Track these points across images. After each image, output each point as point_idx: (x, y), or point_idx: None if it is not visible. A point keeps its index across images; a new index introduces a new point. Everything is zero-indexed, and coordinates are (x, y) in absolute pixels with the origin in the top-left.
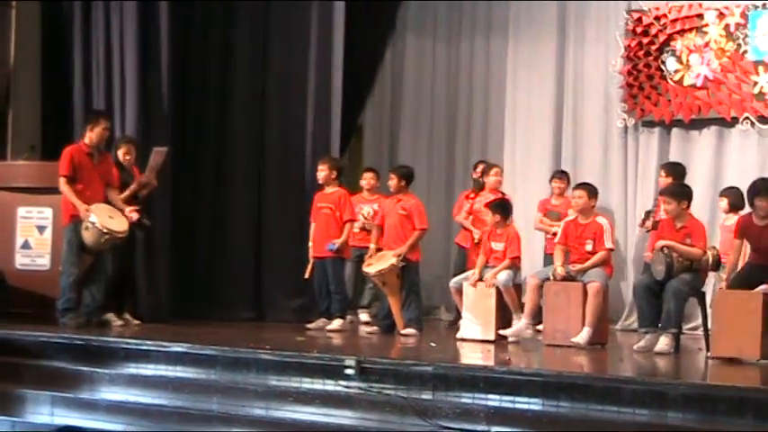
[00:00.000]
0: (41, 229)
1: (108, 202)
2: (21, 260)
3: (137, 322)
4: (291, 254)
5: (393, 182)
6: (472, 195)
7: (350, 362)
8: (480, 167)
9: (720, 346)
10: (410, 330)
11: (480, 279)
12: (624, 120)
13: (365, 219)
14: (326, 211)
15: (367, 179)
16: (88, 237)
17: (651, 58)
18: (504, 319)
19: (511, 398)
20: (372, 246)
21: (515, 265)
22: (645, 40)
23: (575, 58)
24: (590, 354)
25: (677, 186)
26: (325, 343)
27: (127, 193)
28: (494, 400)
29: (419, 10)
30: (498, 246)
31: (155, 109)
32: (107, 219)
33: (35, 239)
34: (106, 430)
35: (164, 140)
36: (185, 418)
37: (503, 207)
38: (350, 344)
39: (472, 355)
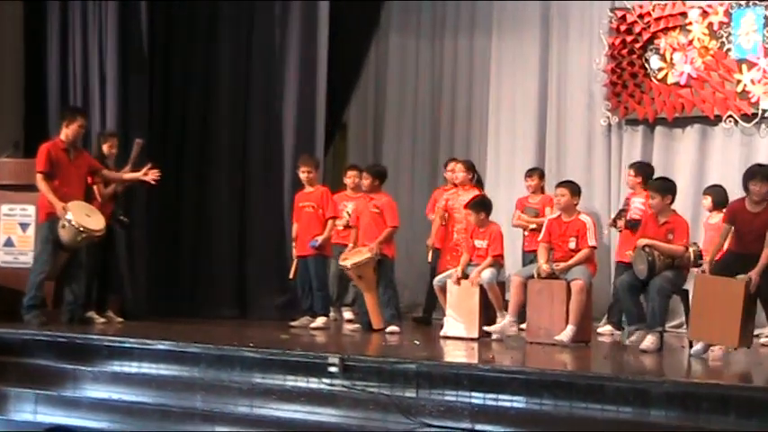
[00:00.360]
0: (24, 226)
1: (87, 198)
2: (3, 258)
3: (119, 320)
4: (274, 252)
5: (366, 181)
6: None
7: (333, 359)
8: (451, 165)
9: (697, 331)
10: (393, 328)
11: (464, 277)
12: (608, 118)
13: (349, 216)
14: (309, 209)
15: (351, 177)
16: (64, 235)
17: (635, 56)
18: (487, 316)
19: (494, 396)
20: (350, 245)
21: (499, 263)
22: (628, 39)
23: (558, 56)
24: (573, 351)
25: (663, 181)
26: (309, 341)
27: (111, 188)
28: (477, 398)
29: (403, 8)
30: (481, 243)
31: (135, 107)
32: (84, 217)
33: (18, 237)
34: (90, 428)
35: (144, 138)
36: (169, 416)
37: (483, 205)
38: (333, 341)
39: (456, 353)
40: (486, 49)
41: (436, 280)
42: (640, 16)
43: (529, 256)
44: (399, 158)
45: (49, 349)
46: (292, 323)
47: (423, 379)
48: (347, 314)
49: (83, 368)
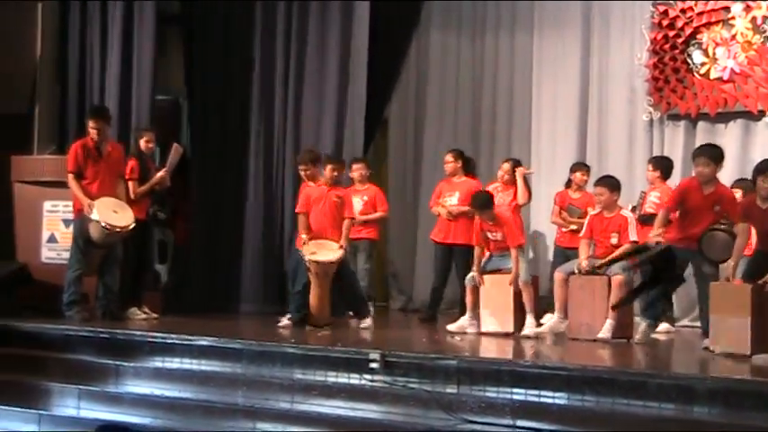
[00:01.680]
0: (67, 222)
1: (117, 194)
2: (47, 254)
3: (155, 315)
4: None
5: (331, 172)
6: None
7: (374, 355)
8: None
9: (717, 340)
10: (368, 322)
11: (484, 272)
12: (650, 113)
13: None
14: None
15: (358, 170)
16: (93, 231)
17: (677, 51)
18: (522, 311)
19: (536, 392)
20: (304, 235)
21: (522, 251)
22: (671, 33)
23: (600, 51)
24: (615, 348)
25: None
26: (350, 336)
27: (146, 187)
28: (519, 395)
29: (443, 6)
30: (495, 235)
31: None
32: (110, 214)
33: (61, 233)
34: (133, 423)
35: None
36: (211, 412)
37: (487, 202)
38: (375, 337)
39: (497, 349)
40: (527, 46)
41: (468, 278)
42: (683, 11)
43: (563, 252)
44: (440, 155)
45: (92, 345)
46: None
47: (464, 375)
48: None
49: (125, 364)
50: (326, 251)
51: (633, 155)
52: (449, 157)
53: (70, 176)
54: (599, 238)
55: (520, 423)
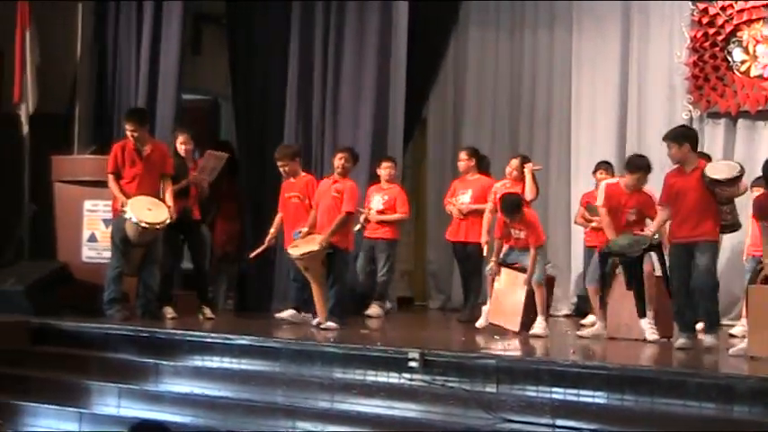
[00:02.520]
0: (107, 222)
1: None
2: (87, 253)
3: (211, 316)
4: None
5: (339, 161)
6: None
7: (413, 354)
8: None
9: (755, 345)
10: (330, 324)
11: (501, 265)
12: (689, 111)
13: (366, 210)
14: (295, 200)
15: (387, 168)
16: (129, 230)
17: (717, 48)
18: (531, 311)
19: (575, 391)
20: (305, 229)
21: (542, 249)
22: (710, 31)
23: (639, 49)
24: (655, 347)
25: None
26: (389, 335)
27: (175, 187)
28: (558, 394)
29: (482, 4)
30: (518, 234)
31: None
32: (144, 211)
33: (101, 233)
34: (172, 422)
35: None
36: (250, 411)
37: (517, 206)
38: (414, 336)
39: (536, 349)
40: (566, 44)
41: (487, 270)
42: (723, 9)
43: (590, 251)
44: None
45: (132, 344)
46: (278, 315)
47: (503, 374)
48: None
49: (165, 363)
50: (308, 245)
51: None
52: (462, 155)
53: (109, 177)
54: (615, 213)
55: (559, 422)
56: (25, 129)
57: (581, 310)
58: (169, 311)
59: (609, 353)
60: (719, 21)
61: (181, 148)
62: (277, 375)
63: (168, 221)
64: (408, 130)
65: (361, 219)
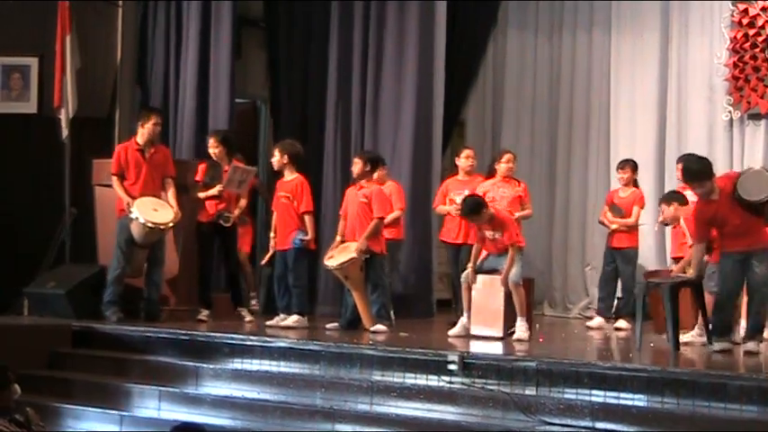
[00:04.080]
0: None
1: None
2: None
3: (251, 318)
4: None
5: (357, 167)
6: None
7: (453, 357)
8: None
9: None
10: (379, 327)
11: (477, 272)
12: (730, 112)
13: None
14: (284, 200)
15: (469, 157)
16: (135, 230)
17: (757, 49)
18: (512, 314)
19: (615, 394)
20: (338, 238)
21: (520, 251)
22: (751, 32)
23: (679, 50)
24: (695, 349)
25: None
26: (428, 338)
27: (207, 193)
28: (598, 396)
29: (520, 6)
30: (492, 234)
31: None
32: (150, 212)
33: None
34: (213, 425)
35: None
36: (289, 413)
37: (478, 207)
38: (453, 340)
39: (576, 351)
40: (604, 45)
41: (462, 277)
42: (763, 9)
43: (611, 252)
44: (517, 155)
45: (172, 347)
46: (268, 322)
47: (543, 377)
48: None
49: (204, 365)
50: (344, 254)
51: (713, 155)
52: (470, 153)
53: (113, 178)
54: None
55: (599, 425)
56: (65, 132)
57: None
58: (205, 314)
59: (649, 355)
60: (760, 21)
61: (212, 152)
62: (316, 378)
63: (172, 224)
64: (447, 132)
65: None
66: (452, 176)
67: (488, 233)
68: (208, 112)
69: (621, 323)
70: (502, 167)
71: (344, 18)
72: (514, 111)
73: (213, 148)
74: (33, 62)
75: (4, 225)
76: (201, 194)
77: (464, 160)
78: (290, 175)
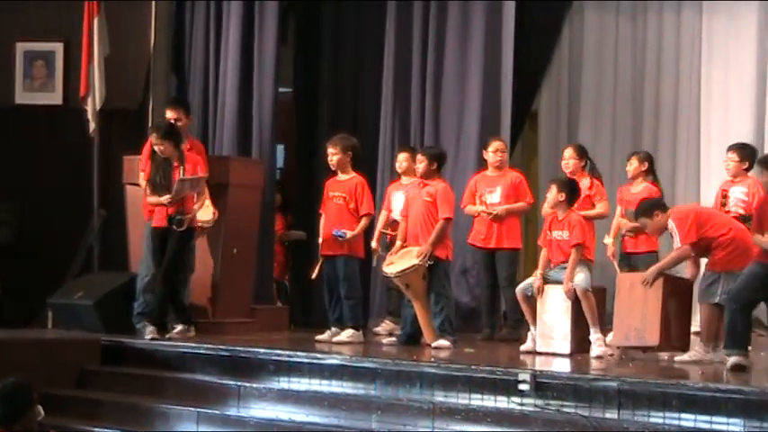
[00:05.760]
0: None
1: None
2: None
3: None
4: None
5: (422, 164)
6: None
7: (524, 376)
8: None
9: None
10: (442, 342)
11: (546, 282)
12: None
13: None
14: (339, 201)
15: (498, 150)
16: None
17: None
18: (583, 327)
19: (707, 418)
20: (398, 242)
21: (587, 259)
22: None
23: None
24: None
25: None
26: (496, 355)
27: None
28: (688, 420)
29: None
30: (560, 234)
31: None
32: None
33: None
34: None
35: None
36: None
37: (571, 187)
38: (523, 357)
39: (663, 370)
40: (695, 27)
41: (519, 287)
42: None
43: (628, 259)
44: (596, 147)
45: (211, 364)
46: (318, 337)
47: (625, 398)
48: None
49: (247, 384)
50: (405, 260)
51: None
52: (501, 146)
53: (141, 175)
54: None
55: None
56: (92, 126)
57: None
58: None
59: (745, 375)
60: None
61: (157, 150)
62: (372, 399)
63: (210, 224)
64: (517, 124)
65: (381, 224)
66: (481, 172)
67: (556, 234)
68: (252, 103)
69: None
70: (490, 157)
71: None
72: (593, 101)
73: (158, 145)
74: (58, 48)
75: (26, 229)
76: (151, 200)
77: (492, 154)
78: (345, 175)
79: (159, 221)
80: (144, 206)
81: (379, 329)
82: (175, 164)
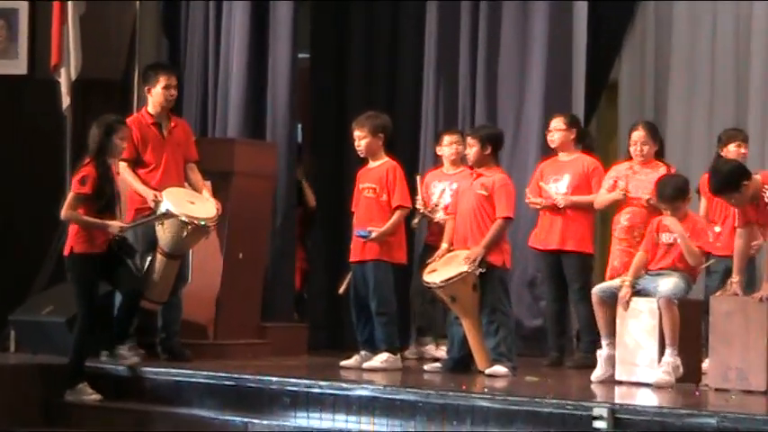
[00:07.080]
0: None
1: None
2: None
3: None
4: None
5: (473, 149)
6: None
7: (600, 411)
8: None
9: None
10: (499, 369)
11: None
12: None
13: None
14: (369, 193)
15: (449, 145)
16: (165, 234)
17: None
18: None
19: None
20: (444, 245)
21: (690, 274)
22: None
23: None
24: None
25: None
26: (565, 385)
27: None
28: None
29: None
30: (669, 238)
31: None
32: (186, 204)
33: None
34: None
35: None
36: None
37: (681, 191)
38: (598, 387)
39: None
40: None
41: (597, 288)
42: None
43: None
44: (690, 125)
45: (212, 395)
46: (343, 363)
47: None
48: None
49: (256, 421)
50: (451, 266)
51: None
52: (558, 124)
53: (122, 165)
54: None
55: None
56: (66, 100)
57: None
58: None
59: None
60: None
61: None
62: None
63: (215, 222)
64: (592, 97)
65: (416, 220)
66: (550, 158)
67: (664, 236)
68: (266, 73)
69: None
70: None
71: None
72: (685, 72)
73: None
74: (22, 6)
75: None
76: (91, 220)
77: (554, 135)
78: (376, 161)
79: (97, 247)
80: (130, 203)
81: (406, 353)
82: (116, 171)
